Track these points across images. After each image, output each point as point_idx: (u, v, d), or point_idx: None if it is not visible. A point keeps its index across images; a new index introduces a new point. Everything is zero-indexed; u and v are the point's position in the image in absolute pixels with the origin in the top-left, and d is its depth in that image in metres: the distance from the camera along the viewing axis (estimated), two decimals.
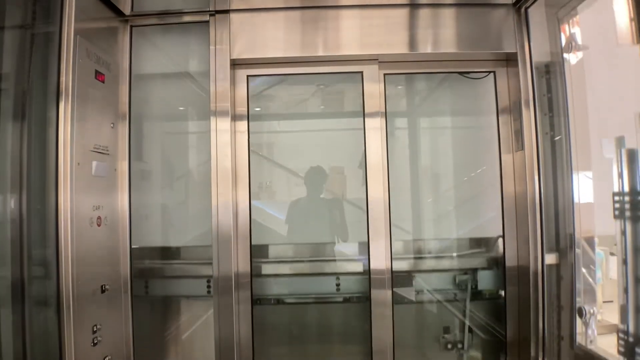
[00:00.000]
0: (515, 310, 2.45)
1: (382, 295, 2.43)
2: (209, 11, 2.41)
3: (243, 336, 2.42)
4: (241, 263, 2.44)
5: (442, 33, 2.44)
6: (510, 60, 2.48)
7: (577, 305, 2.19)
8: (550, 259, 2.31)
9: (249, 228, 2.50)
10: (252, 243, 2.51)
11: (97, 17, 2.22)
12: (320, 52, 2.43)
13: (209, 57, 2.40)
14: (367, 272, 2.44)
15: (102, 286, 2.12)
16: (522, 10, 2.40)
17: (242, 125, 2.52)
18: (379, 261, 2.43)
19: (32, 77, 1.99)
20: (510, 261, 2.49)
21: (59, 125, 1.91)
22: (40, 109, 1.96)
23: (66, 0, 1.96)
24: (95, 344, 2.03)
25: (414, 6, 2.45)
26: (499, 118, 2.55)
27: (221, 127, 2.38)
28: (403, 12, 2.45)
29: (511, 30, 2.42)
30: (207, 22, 2.41)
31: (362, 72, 2.51)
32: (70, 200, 1.90)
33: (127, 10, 2.41)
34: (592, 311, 2.15)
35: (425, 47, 2.43)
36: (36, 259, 1.92)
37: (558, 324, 2.28)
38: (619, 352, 1.92)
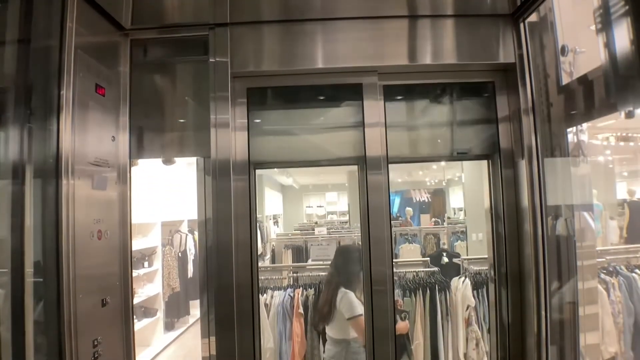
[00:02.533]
0: None
1: None
2: (209, 24, 2.41)
3: None
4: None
5: (441, 44, 2.45)
6: (509, 70, 2.49)
7: None
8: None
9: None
10: None
11: (97, 31, 2.22)
12: (320, 65, 2.44)
13: (208, 70, 2.40)
14: None
15: (102, 300, 2.09)
16: (520, 20, 2.42)
17: (242, 136, 2.51)
18: None
19: (32, 91, 1.97)
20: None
21: (60, 138, 1.89)
22: (40, 122, 1.95)
23: (67, 14, 1.96)
24: (96, 358, 2.00)
25: (413, 17, 2.46)
26: (499, 128, 2.55)
27: (221, 138, 2.37)
28: (402, 24, 2.46)
29: (509, 41, 2.44)
30: (207, 35, 2.41)
31: (361, 84, 2.51)
32: (70, 214, 1.88)
33: (127, 24, 2.41)
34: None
35: (425, 58, 2.44)
36: (37, 272, 1.88)
37: None
38: None
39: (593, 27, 2.00)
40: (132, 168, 2.42)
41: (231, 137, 2.40)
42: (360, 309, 3.38)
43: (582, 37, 2.38)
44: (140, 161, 2.60)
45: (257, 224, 2.70)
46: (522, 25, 2.42)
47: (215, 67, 2.39)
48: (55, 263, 1.84)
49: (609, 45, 1.87)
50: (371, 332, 2.45)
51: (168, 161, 3.14)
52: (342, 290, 3.52)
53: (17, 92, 2.01)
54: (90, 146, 2.07)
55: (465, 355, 4.32)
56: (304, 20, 2.44)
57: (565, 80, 2.39)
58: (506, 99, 2.54)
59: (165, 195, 8.10)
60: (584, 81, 2.25)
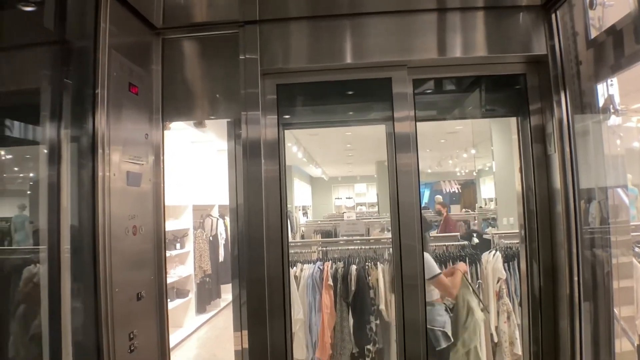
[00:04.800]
0: None
1: None
2: (238, 22, 2.43)
3: None
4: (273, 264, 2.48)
5: (471, 37, 2.43)
6: (540, 62, 2.45)
7: None
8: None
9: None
10: None
11: (130, 31, 2.27)
12: (349, 60, 2.43)
13: (238, 67, 2.43)
14: None
15: (138, 293, 2.16)
16: (551, 11, 2.37)
17: (272, 132, 2.54)
18: None
19: (68, 91, 2.03)
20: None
21: (95, 137, 1.95)
22: (76, 121, 2.00)
23: (101, 15, 2.01)
24: (132, 351, 2.07)
25: (442, 10, 2.44)
26: (531, 120, 2.52)
27: (252, 135, 2.41)
28: (431, 17, 2.44)
29: (541, 32, 2.40)
30: (237, 33, 2.44)
31: (390, 78, 2.50)
32: (106, 211, 1.93)
33: (158, 24, 2.45)
34: None
35: (455, 52, 2.42)
36: (75, 269, 1.96)
37: None
38: None
39: None
40: (165, 160, 2.47)
41: (261, 134, 2.43)
42: (437, 268, 3.44)
43: None
44: (173, 147, 2.64)
45: (287, 212, 2.73)
46: (553, 16, 2.37)
47: (245, 65, 2.42)
48: (92, 259, 1.90)
49: None
50: (402, 326, 2.47)
51: (199, 124, 3.17)
52: None
53: (54, 92, 2.07)
54: (125, 144, 2.12)
55: (496, 328, 4.31)
56: (332, 15, 2.44)
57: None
58: (538, 91, 2.50)
59: (196, 180, 8.23)
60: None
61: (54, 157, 1.97)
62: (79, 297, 1.94)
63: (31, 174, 2.38)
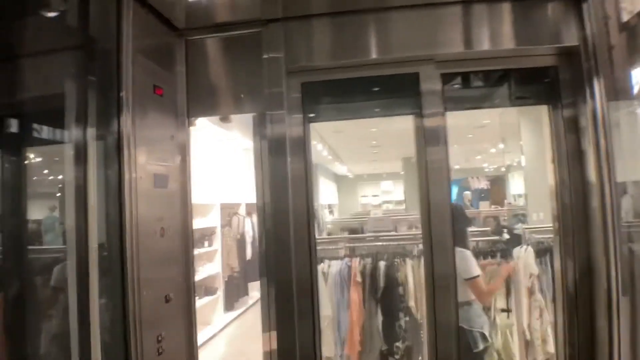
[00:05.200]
0: None
1: None
2: (261, 20, 2.42)
3: None
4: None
5: (499, 29, 2.37)
6: (572, 54, 2.37)
7: None
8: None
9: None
10: None
11: (152, 33, 2.27)
12: (374, 55, 2.40)
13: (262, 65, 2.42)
14: None
15: (165, 296, 2.16)
16: (583, 0, 2.29)
17: (298, 130, 2.52)
18: None
19: (93, 94, 2.04)
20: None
21: (121, 139, 1.95)
22: (102, 125, 2.01)
23: (123, 19, 2.02)
24: (160, 354, 2.07)
25: (468, 3, 2.38)
26: (564, 112, 2.44)
27: (277, 134, 2.41)
28: (457, 10, 2.38)
29: (571, 22, 2.32)
30: (260, 31, 2.43)
31: (418, 73, 2.45)
32: (133, 213, 1.94)
33: (181, 25, 2.45)
34: None
35: (483, 45, 2.37)
36: (103, 273, 1.97)
37: None
38: None
39: None
40: (191, 160, 2.47)
41: (287, 132, 2.42)
42: (477, 269, 3.33)
43: None
44: (200, 146, 2.65)
45: (314, 210, 2.72)
46: (584, 5, 2.29)
47: (269, 63, 2.41)
48: (120, 261, 1.91)
49: None
50: (433, 326, 2.43)
51: (225, 119, 3.18)
52: (457, 249, 3.43)
53: (79, 96, 2.09)
54: (150, 146, 2.13)
55: (528, 325, 4.22)
56: (357, 11, 2.41)
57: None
58: (570, 83, 2.42)
59: (223, 178, 8.28)
60: None
61: (81, 159, 1.99)
62: (107, 298, 1.95)
63: (60, 176, 2.41)
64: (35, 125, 2.42)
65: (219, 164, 8.14)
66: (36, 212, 2.58)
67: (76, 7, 2.15)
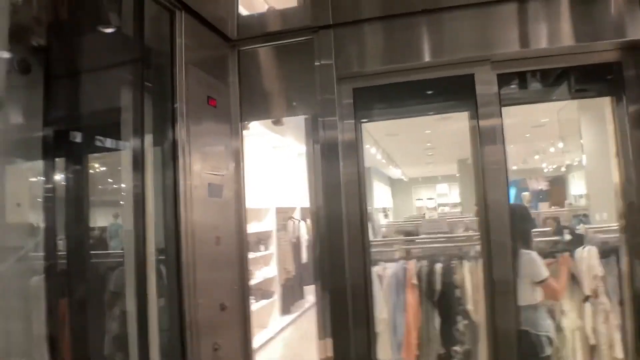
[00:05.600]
0: None
1: None
2: (312, 28, 2.45)
3: None
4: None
5: (557, 25, 2.29)
6: (637, 48, 2.26)
7: None
8: None
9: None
10: None
11: (205, 45, 2.34)
12: (427, 58, 2.38)
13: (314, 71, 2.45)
14: None
15: (221, 304, 2.20)
16: None
17: (350, 135, 2.52)
18: None
19: (150, 106, 2.12)
20: None
21: (176, 148, 2.03)
22: (158, 136, 2.09)
23: (176, 31, 2.10)
24: None
25: (522, 0, 2.31)
26: (628, 109, 2.33)
27: (329, 139, 2.42)
28: (512, 7, 2.32)
29: (636, 15, 2.21)
30: (311, 39, 2.46)
31: (473, 74, 2.39)
32: (189, 223, 2.00)
33: (233, 35, 2.52)
34: None
35: (540, 42, 2.29)
36: (160, 280, 2.03)
37: None
38: None
39: None
40: (245, 167, 2.52)
41: (338, 136, 2.44)
42: (545, 270, 3.25)
43: None
44: (256, 152, 2.69)
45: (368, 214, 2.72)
46: None
47: (321, 70, 2.44)
48: (176, 269, 1.97)
49: None
50: (492, 331, 2.37)
51: (277, 122, 3.22)
52: (523, 251, 3.29)
53: (136, 108, 2.16)
54: (205, 155, 2.18)
55: (593, 329, 4.04)
56: (407, 14, 2.39)
57: None
58: (636, 79, 2.30)
59: (278, 183, 8.39)
60: None
61: (139, 167, 2.06)
62: (165, 302, 2.01)
63: (122, 185, 2.51)
64: (96, 135, 2.52)
65: (274, 169, 8.26)
66: (101, 219, 2.68)
67: (131, 22, 2.24)
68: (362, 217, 2.52)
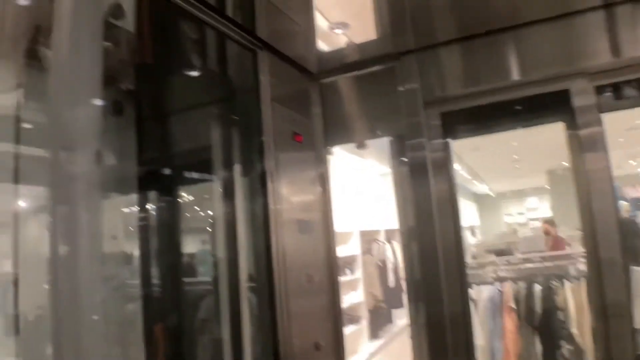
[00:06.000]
0: None
1: None
2: (394, 54, 2.47)
3: None
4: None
5: None
6: None
7: None
8: None
9: None
10: None
11: (288, 80, 2.42)
12: (516, 77, 2.31)
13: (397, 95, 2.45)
14: None
15: (315, 343, 2.21)
16: None
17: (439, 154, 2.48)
18: None
19: (236, 139, 2.22)
20: None
21: (265, 181, 2.09)
22: (245, 168, 2.18)
23: (260, 69, 2.19)
24: None
25: (609, 6, 2.19)
26: None
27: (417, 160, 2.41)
28: (599, 16, 2.21)
29: None
30: (394, 65, 2.47)
31: (568, 90, 2.26)
32: (280, 260, 2.04)
33: (314, 69, 2.59)
34: None
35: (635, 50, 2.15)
36: (254, 318, 2.09)
37: None
38: None
39: None
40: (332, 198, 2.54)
41: (426, 156, 2.41)
42: None
43: None
44: (337, 175, 2.71)
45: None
46: None
47: (405, 95, 2.44)
48: (270, 307, 2.00)
49: None
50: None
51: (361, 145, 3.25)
52: (634, 268, 3.16)
53: (224, 143, 2.27)
54: (293, 192, 2.24)
55: None
56: (490, 32, 2.34)
57: None
58: None
59: (361, 205, 8.37)
60: None
61: (229, 198, 2.17)
62: (257, 330, 2.06)
63: (209, 212, 2.60)
64: (186, 169, 2.65)
65: (356, 191, 8.27)
66: (190, 246, 2.80)
67: (216, 63, 2.36)
68: (457, 237, 2.46)
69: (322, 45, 2.83)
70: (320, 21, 3.58)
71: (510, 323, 4.10)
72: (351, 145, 2.73)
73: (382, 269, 8.62)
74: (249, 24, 2.17)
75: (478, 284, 4.44)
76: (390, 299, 8.66)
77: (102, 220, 1.47)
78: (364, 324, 8.05)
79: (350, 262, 8.12)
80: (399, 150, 2.54)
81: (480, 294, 4.32)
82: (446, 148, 2.51)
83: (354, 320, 7.86)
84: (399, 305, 8.30)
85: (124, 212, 2.31)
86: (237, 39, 2.16)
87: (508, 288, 4.21)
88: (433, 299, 2.36)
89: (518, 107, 2.53)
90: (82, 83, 1.55)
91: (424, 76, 2.43)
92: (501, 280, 4.41)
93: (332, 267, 2.49)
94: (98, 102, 1.58)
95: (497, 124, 2.83)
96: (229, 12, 2.12)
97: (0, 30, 1.94)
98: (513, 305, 4.11)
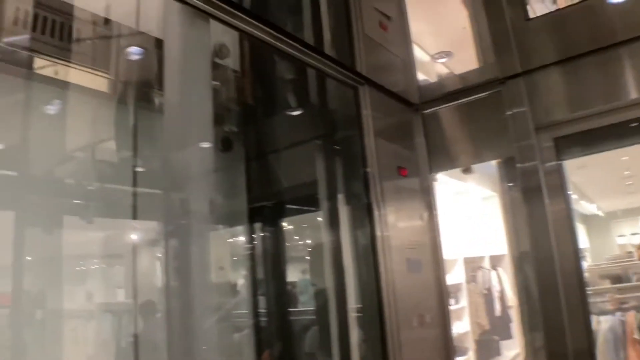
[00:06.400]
0: None
1: None
2: (499, 79, 2.42)
3: None
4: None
5: None
6: None
7: None
8: None
9: None
10: None
11: (390, 112, 2.44)
12: (634, 95, 2.16)
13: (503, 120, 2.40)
14: None
15: None
16: None
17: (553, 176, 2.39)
18: None
19: (340, 170, 2.27)
20: None
21: (372, 218, 2.10)
22: (350, 199, 2.22)
23: (362, 103, 2.23)
24: None
25: None
26: None
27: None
28: None
29: None
30: (499, 91, 2.43)
31: None
32: (391, 300, 2.02)
33: (415, 100, 2.60)
34: None
35: None
36: (363, 348, 2.08)
37: None
38: None
39: None
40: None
41: (541, 181, 2.33)
42: None
43: None
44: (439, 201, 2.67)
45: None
46: None
47: (514, 120, 2.38)
48: (382, 346, 1.98)
49: None
50: None
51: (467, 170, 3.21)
52: None
53: (329, 177, 2.34)
54: (401, 229, 2.23)
55: None
56: (601, 49, 2.22)
57: None
58: None
59: (464, 231, 8.16)
60: None
61: (334, 228, 2.21)
62: None
63: (309, 241, 2.65)
64: (292, 202, 2.74)
65: (457, 217, 8.08)
66: (291, 275, 2.86)
67: (319, 99, 2.45)
68: (576, 262, 2.31)
69: (422, 76, 2.85)
70: (419, 52, 3.61)
71: (635, 356, 3.80)
72: (454, 170, 2.70)
73: (488, 297, 8.31)
74: (348, 60, 2.24)
75: (598, 313, 4.16)
76: (497, 329, 8.30)
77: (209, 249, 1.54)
78: (471, 355, 7.77)
79: (454, 290, 7.92)
80: (508, 173, 2.48)
81: (599, 325, 4.04)
82: (560, 169, 2.41)
83: (462, 351, 7.62)
84: (508, 336, 7.95)
85: (229, 243, 2.44)
86: (337, 77, 2.22)
87: (632, 318, 3.91)
88: (553, 330, 2.23)
89: (633, 125, 2.40)
90: (194, 123, 1.63)
91: (533, 99, 2.36)
92: (623, 309, 4.11)
93: (443, 298, 2.45)
94: (209, 141, 1.68)
95: (611, 142, 2.69)
96: (327, 50, 2.20)
97: (114, 76, 2.15)
98: (638, 337, 3.80)
